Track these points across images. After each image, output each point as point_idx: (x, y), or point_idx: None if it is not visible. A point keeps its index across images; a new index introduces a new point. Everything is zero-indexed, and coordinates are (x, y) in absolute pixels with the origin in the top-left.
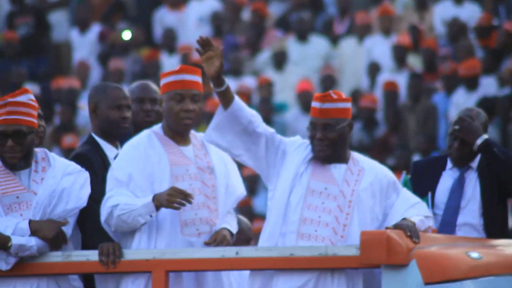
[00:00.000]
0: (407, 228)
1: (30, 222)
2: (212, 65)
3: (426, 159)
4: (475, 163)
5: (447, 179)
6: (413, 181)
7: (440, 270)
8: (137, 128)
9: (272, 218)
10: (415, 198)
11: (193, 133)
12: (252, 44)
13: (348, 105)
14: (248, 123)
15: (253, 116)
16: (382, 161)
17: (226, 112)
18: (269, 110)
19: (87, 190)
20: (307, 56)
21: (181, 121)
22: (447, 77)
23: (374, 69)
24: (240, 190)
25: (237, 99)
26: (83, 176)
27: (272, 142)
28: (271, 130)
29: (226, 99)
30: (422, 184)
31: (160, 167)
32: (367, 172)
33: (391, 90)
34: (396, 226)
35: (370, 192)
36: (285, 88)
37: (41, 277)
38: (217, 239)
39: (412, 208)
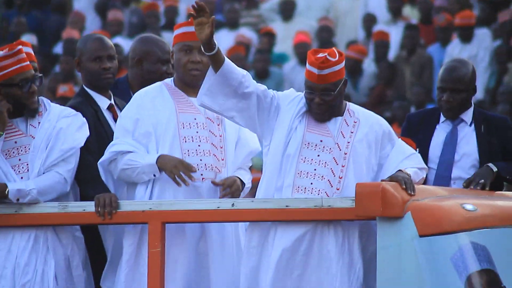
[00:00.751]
0: (403, 180)
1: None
2: (203, 31)
3: (420, 111)
4: (467, 117)
5: (441, 132)
6: (408, 134)
7: (434, 222)
8: None
9: (267, 172)
10: (410, 149)
11: None
12: None
13: (343, 63)
14: (239, 84)
15: (244, 76)
16: (379, 113)
17: (217, 75)
18: (267, 61)
19: (84, 133)
20: (311, 6)
21: (188, 72)
22: (442, 29)
23: (369, 21)
24: (253, 144)
25: (227, 61)
26: (79, 119)
27: (264, 99)
28: (262, 87)
29: (217, 62)
30: (417, 137)
31: (167, 114)
32: (363, 123)
33: (381, 40)
34: (392, 178)
35: (366, 143)
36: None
37: (38, 227)
38: (226, 182)
39: (407, 159)
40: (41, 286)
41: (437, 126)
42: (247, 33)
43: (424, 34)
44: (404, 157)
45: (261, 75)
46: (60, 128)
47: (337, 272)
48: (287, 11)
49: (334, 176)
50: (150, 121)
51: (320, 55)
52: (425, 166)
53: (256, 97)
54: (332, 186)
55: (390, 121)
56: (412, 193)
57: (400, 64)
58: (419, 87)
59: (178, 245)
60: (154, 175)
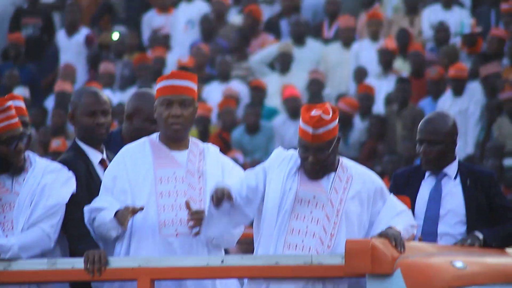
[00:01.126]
0: (392, 237)
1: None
2: None
3: (406, 169)
4: (451, 170)
5: (426, 188)
6: (396, 192)
7: (424, 280)
8: None
9: (264, 233)
10: (401, 206)
11: (194, 141)
12: (240, 48)
13: (337, 120)
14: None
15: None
16: (370, 168)
17: (219, 211)
18: (257, 115)
19: (69, 188)
20: (302, 59)
21: (169, 127)
22: (434, 82)
23: (360, 74)
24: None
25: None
26: (64, 174)
27: (250, 196)
28: (244, 188)
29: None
30: (404, 194)
31: (144, 170)
32: (355, 180)
33: (366, 93)
34: (381, 235)
35: (358, 200)
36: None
37: (22, 286)
38: (198, 214)
39: (398, 216)
40: None
41: (422, 182)
42: (237, 86)
43: (415, 87)
44: (395, 214)
45: (251, 129)
46: (44, 184)
47: None
48: (284, 63)
49: (326, 233)
50: (127, 178)
51: (314, 113)
52: (415, 223)
53: (243, 206)
54: (323, 244)
55: (381, 175)
56: (402, 250)
57: (391, 118)
58: (409, 141)
59: None
60: (119, 230)
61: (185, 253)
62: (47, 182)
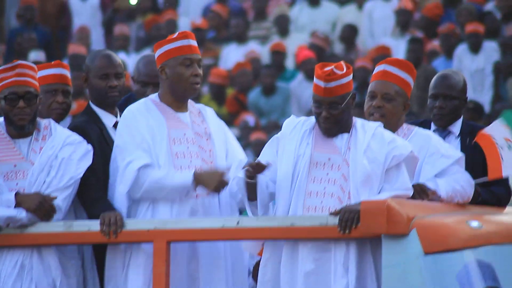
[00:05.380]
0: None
1: (16, 194)
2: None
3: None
4: (456, 128)
5: None
6: None
7: (440, 240)
8: None
9: (280, 196)
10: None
11: (190, 101)
12: (257, 9)
13: (351, 76)
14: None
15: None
16: None
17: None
18: (273, 76)
19: (86, 162)
20: (316, 20)
21: (191, 86)
22: (447, 36)
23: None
24: (240, 156)
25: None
26: (83, 147)
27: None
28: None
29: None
30: None
31: (159, 130)
32: (372, 139)
33: (382, 54)
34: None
35: (372, 157)
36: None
37: (26, 254)
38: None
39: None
40: None
41: None
42: (255, 47)
43: (428, 48)
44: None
45: (268, 91)
46: (62, 158)
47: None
48: (282, 26)
49: (344, 192)
50: (148, 138)
51: (327, 68)
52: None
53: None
54: (342, 203)
55: None
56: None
57: None
58: (422, 101)
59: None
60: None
61: (206, 214)
62: (64, 156)
